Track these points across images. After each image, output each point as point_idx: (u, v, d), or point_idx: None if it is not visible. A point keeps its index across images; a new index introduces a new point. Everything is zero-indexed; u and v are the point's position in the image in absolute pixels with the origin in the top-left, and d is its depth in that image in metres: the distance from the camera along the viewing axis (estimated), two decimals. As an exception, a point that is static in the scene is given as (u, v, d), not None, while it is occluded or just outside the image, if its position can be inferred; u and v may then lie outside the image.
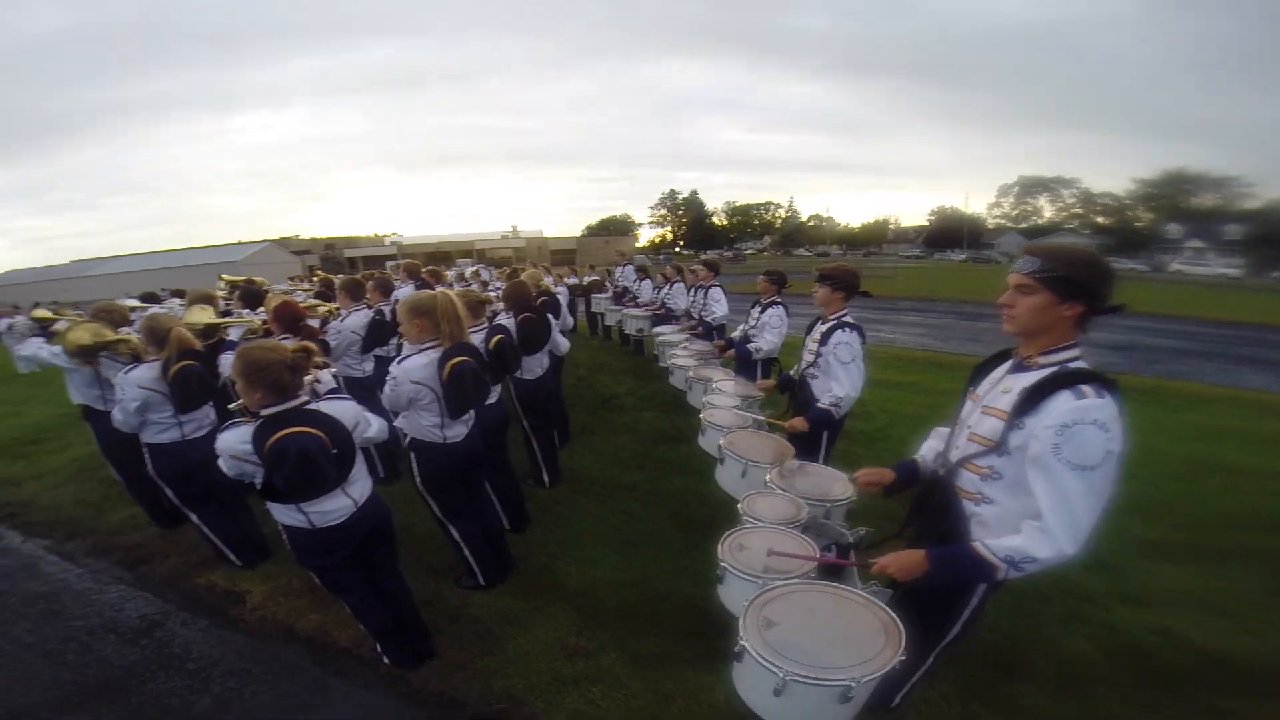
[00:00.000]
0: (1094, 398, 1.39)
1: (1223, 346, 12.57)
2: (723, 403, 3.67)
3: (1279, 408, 7.67)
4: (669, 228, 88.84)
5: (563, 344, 4.80)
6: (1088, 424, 1.37)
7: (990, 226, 73.85)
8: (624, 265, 11.26)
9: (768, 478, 2.55)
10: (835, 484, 2.55)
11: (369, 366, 4.54)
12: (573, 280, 11.56)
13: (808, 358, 3.21)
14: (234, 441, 2.05)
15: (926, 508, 1.82)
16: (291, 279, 11.58)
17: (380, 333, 4.52)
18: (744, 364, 4.81)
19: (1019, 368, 1.61)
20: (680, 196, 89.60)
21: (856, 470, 2.11)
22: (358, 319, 4.45)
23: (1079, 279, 1.46)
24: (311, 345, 2.33)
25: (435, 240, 55.19)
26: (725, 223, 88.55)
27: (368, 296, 4.68)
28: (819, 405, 3.05)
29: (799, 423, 3.04)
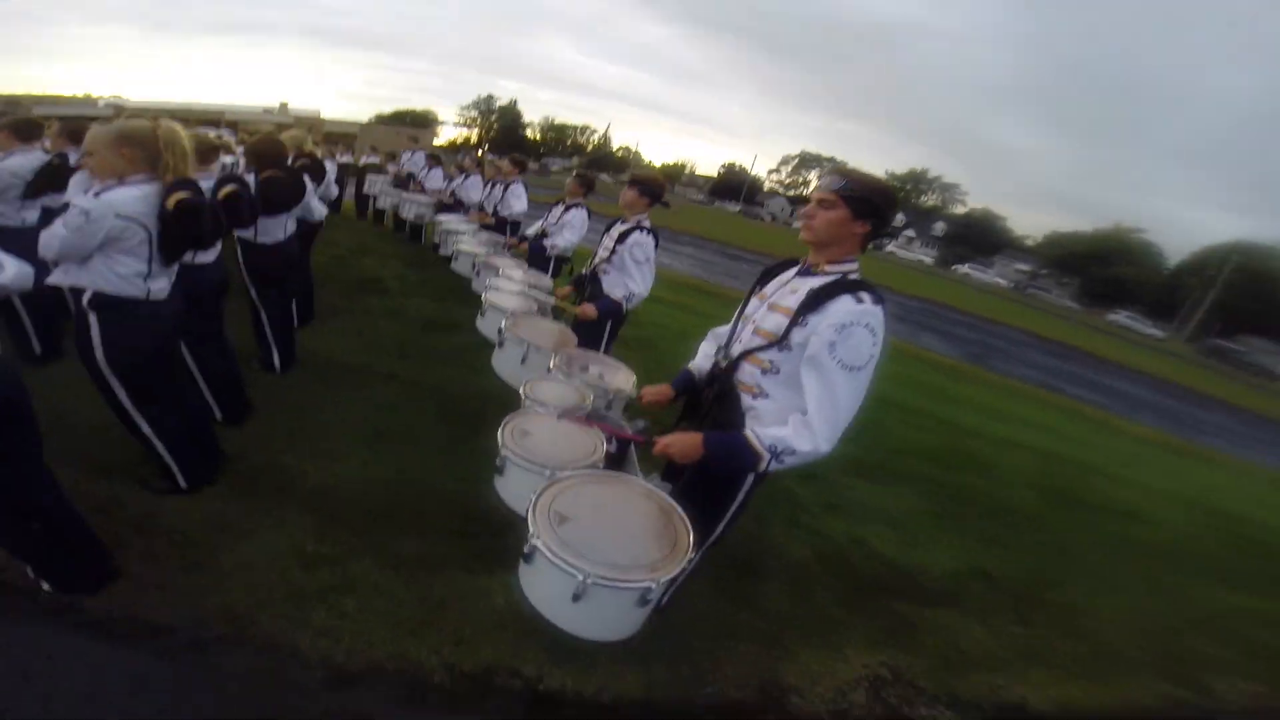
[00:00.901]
0: (870, 304, 1.53)
1: (913, 315, 16.14)
2: (508, 287, 3.40)
3: (942, 364, 10.11)
4: (476, 130, 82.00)
5: (318, 209, 4.00)
6: (861, 326, 1.50)
7: (766, 189, 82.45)
8: (413, 151, 9.95)
9: (551, 364, 2.39)
10: (618, 375, 2.50)
11: (31, 216, 3.34)
12: (345, 159, 9.88)
13: (602, 254, 3.30)
14: None
15: (705, 400, 1.87)
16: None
17: (56, 178, 3.35)
18: (536, 260, 4.61)
19: (806, 273, 1.72)
20: (498, 103, 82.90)
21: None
22: (21, 160, 3.27)
23: (874, 202, 1.60)
24: None
25: (173, 106, 42.52)
26: (539, 137, 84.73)
27: (47, 142, 3.63)
28: (611, 297, 3.18)
29: (589, 309, 3.10)
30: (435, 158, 9.03)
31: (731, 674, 2.29)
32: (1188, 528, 5.32)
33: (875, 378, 1.58)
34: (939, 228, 65.90)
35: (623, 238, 3.19)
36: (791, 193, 79.47)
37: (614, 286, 3.27)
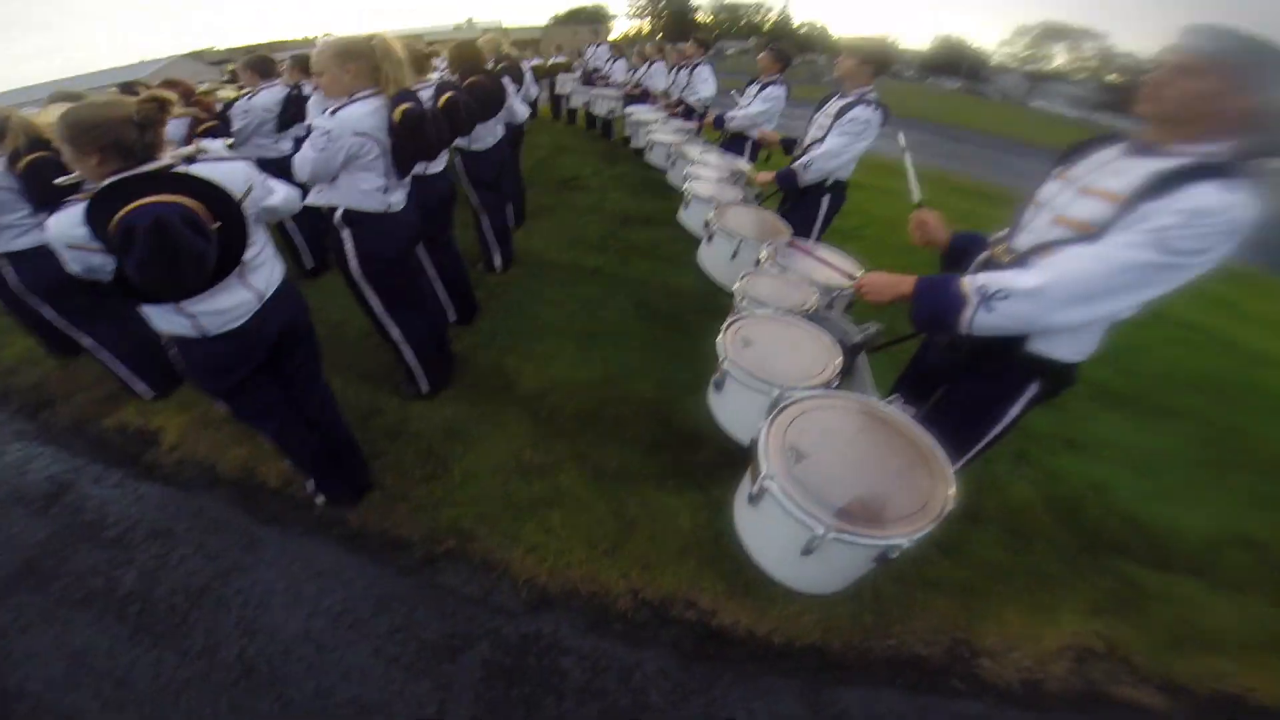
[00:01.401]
0: (1245, 199, 1.10)
1: None
2: (708, 175, 3.17)
3: (1232, 270, 7.74)
4: (647, 20, 78.87)
5: (521, 111, 4.05)
6: (1223, 218, 1.10)
7: (993, 64, 68.84)
8: (596, 45, 9.72)
9: (763, 255, 2.18)
10: (840, 266, 2.20)
11: (286, 146, 3.78)
12: (536, 60, 10.00)
13: (815, 133, 2.90)
14: (66, 227, 1.43)
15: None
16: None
17: (299, 109, 3.74)
18: (730, 145, 4.29)
19: (1144, 150, 1.28)
20: None
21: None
22: (269, 95, 3.66)
23: (1268, 70, 1.11)
24: (168, 95, 1.59)
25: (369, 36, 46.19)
26: (710, 19, 79.10)
27: (283, 75, 3.92)
28: (806, 163, 2.82)
29: (765, 176, 2.88)
30: (618, 48, 8.76)
31: (920, 628, 2.06)
32: None
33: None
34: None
35: (842, 113, 2.75)
36: (1029, 68, 65.68)
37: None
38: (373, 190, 2.24)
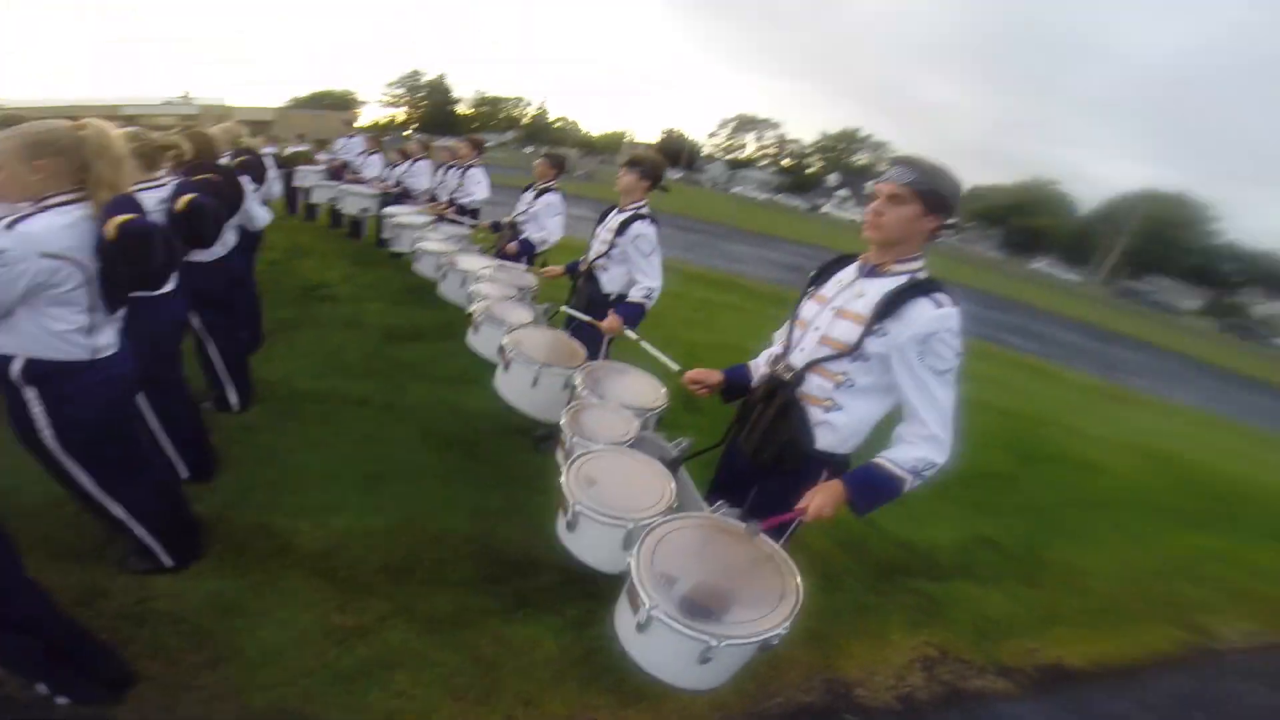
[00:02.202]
0: (949, 307, 1.48)
1: None
2: (496, 293, 3.04)
3: None
4: (404, 110, 77.46)
5: (260, 216, 3.57)
6: (945, 332, 1.47)
7: (704, 154, 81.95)
8: (349, 137, 9.17)
9: (577, 381, 2.22)
10: (644, 387, 2.34)
11: None
12: (272, 148, 9.05)
13: (599, 248, 3.03)
14: None
15: (756, 410, 1.78)
16: None
17: None
18: (508, 255, 4.26)
19: (872, 273, 1.61)
20: (424, 78, 78.12)
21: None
22: None
23: (946, 194, 1.51)
24: None
25: (58, 105, 36.00)
26: (471, 111, 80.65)
27: None
28: (632, 300, 2.89)
29: (615, 323, 2.81)
30: (374, 142, 8.34)
31: (794, 679, 2.31)
32: (1139, 475, 5.67)
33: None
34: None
35: (623, 228, 2.90)
36: (729, 156, 79.26)
37: (613, 283, 3.05)
38: (70, 332, 1.65)
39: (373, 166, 7.83)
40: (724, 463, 1.96)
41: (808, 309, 1.73)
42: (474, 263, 3.67)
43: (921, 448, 1.51)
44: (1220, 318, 46.90)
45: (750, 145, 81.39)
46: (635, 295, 2.91)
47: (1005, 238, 59.99)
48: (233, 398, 3.26)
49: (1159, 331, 24.27)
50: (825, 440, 1.66)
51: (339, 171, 8.11)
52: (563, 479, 1.64)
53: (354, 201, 6.79)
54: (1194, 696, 2.81)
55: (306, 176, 7.96)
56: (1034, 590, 3.26)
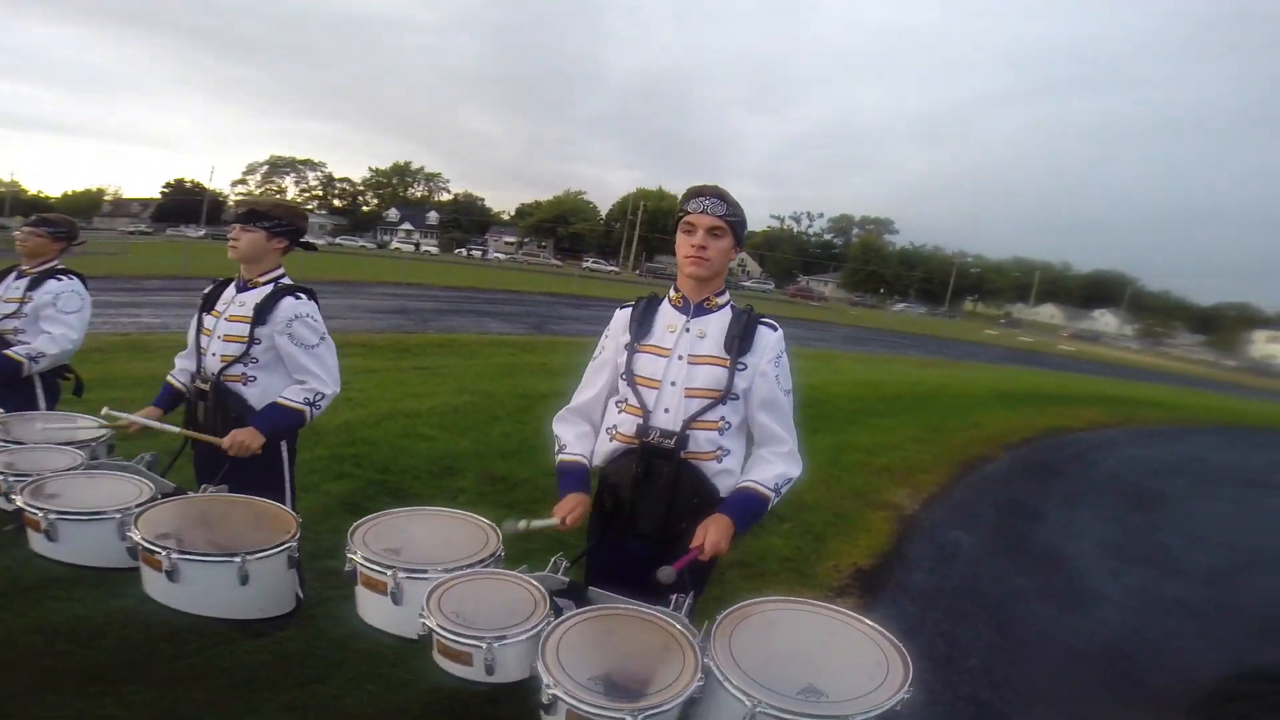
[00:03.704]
0: (778, 328, 1.65)
1: (460, 305, 16.84)
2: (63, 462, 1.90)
3: (517, 342, 11.18)
4: None
5: None
6: (784, 352, 1.65)
7: (232, 203, 70.62)
8: None
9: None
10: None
11: None
12: None
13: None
14: None
15: (652, 492, 1.60)
16: None
17: None
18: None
19: (702, 311, 1.65)
20: None
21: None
22: None
23: (744, 223, 1.64)
24: None
25: None
26: None
27: None
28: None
29: (250, 436, 2.10)
30: None
31: None
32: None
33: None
34: (432, 216, 69.64)
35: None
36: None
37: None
38: None
39: None
40: (603, 557, 1.70)
41: (646, 365, 1.62)
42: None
43: (785, 464, 1.60)
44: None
45: (291, 189, 73.88)
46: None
47: (556, 245, 69.98)
48: None
49: None
50: (725, 486, 1.62)
51: None
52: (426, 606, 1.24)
53: None
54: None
55: None
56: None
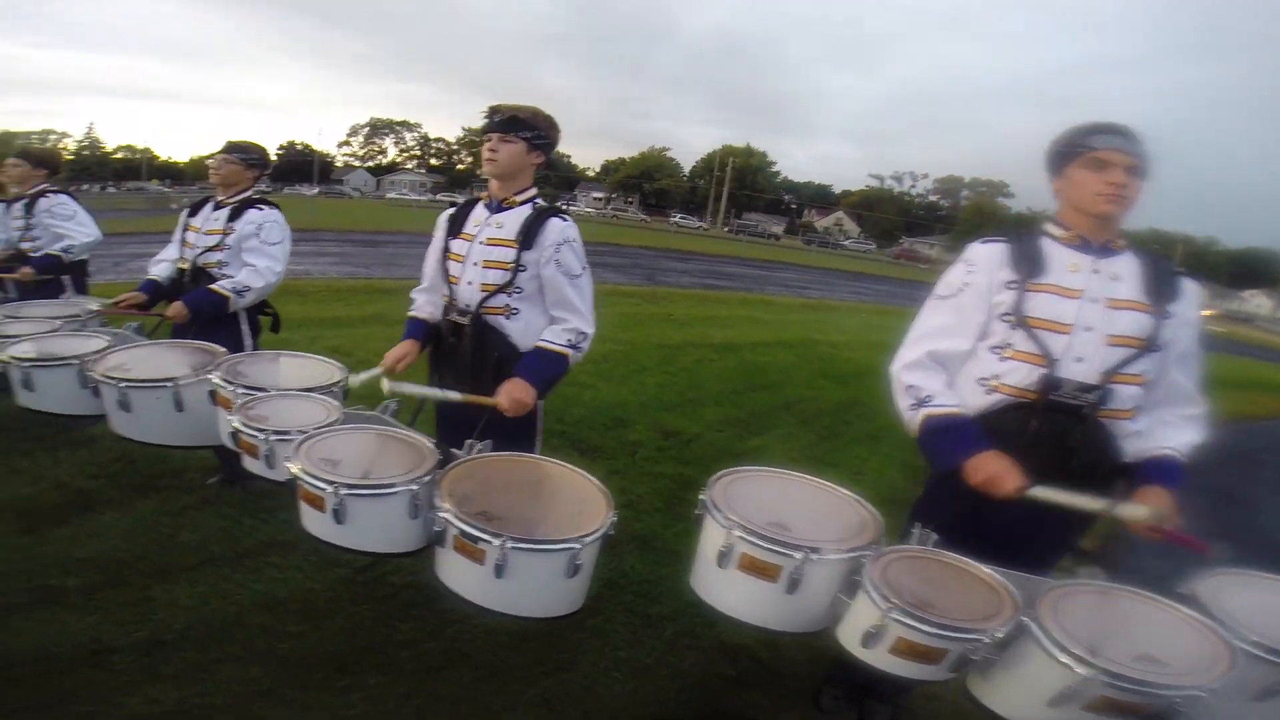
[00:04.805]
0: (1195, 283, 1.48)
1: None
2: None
3: (640, 293, 10.97)
4: None
5: None
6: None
7: (339, 164, 74.43)
8: None
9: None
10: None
11: None
12: None
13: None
14: None
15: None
16: None
17: None
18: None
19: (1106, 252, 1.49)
20: None
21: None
22: None
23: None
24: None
25: None
26: None
27: None
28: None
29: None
30: None
31: None
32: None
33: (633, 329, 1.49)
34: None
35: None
36: (370, 164, 73.55)
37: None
38: None
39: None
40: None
41: (1048, 306, 1.45)
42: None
43: (1190, 431, 1.44)
44: (799, 235, 62.21)
45: (391, 150, 76.87)
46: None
47: (642, 201, 69.10)
48: None
49: (768, 250, 31.03)
50: (1132, 451, 1.46)
51: None
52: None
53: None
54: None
55: None
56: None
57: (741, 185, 60.71)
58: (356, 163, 75.25)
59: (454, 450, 1.48)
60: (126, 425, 1.75)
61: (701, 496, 1.30)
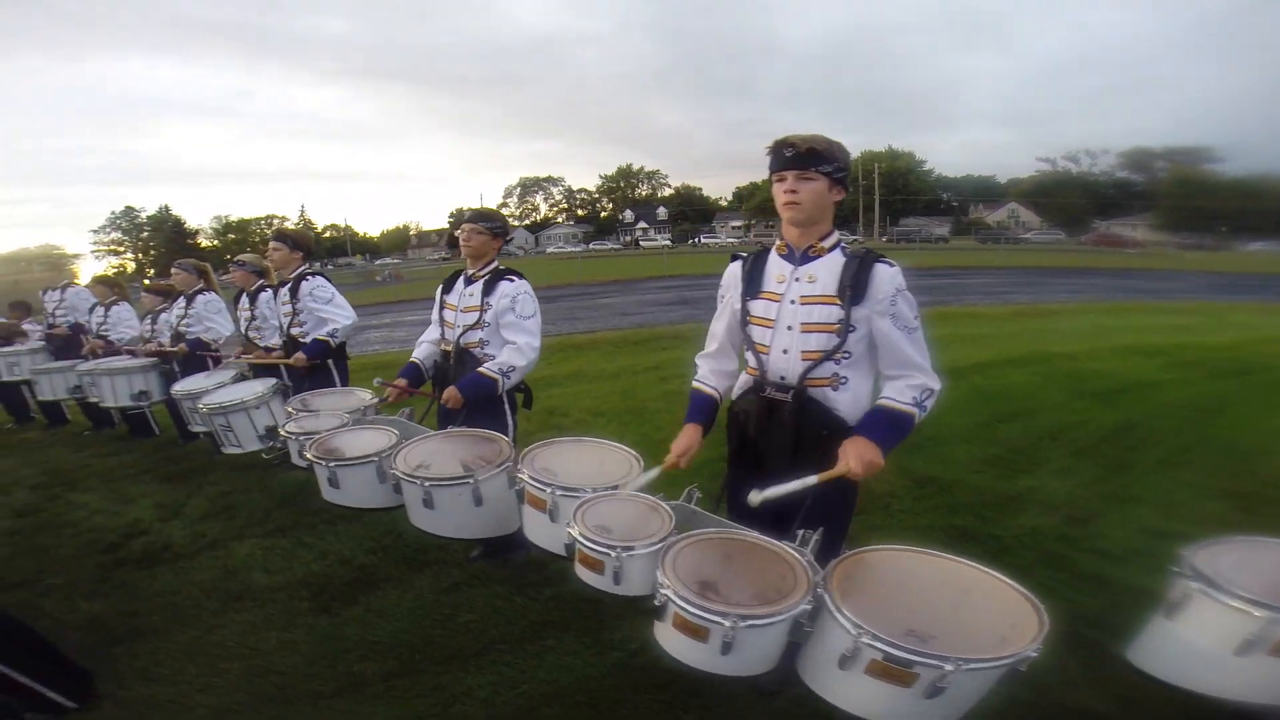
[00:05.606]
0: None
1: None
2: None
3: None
4: (131, 255, 66.60)
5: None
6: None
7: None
8: (62, 287, 6.64)
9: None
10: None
11: None
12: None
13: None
14: None
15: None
16: None
17: None
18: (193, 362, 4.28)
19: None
20: (143, 215, 67.86)
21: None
22: None
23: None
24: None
25: None
26: (215, 243, 71.10)
27: None
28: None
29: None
30: (116, 285, 5.50)
31: None
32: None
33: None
34: (661, 212, 72.19)
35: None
36: (526, 221, 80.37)
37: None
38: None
39: (122, 320, 5.73)
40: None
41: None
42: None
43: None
44: (969, 234, 56.29)
45: (543, 206, 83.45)
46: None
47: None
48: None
49: (962, 256, 28.24)
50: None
51: (70, 343, 6.01)
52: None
53: (117, 384, 4.30)
54: None
55: (17, 364, 5.75)
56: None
57: (893, 190, 56.83)
58: (515, 222, 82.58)
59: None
60: (428, 520, 1.73)
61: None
